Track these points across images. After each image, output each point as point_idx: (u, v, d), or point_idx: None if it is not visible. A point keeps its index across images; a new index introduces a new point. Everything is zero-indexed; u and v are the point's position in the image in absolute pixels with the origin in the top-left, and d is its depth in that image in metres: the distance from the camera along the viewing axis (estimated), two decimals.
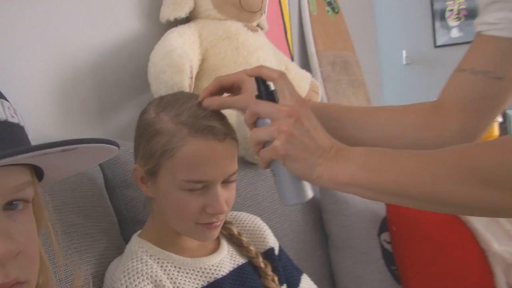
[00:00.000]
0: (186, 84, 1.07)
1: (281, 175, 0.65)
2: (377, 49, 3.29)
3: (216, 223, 0.74)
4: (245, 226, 0.92)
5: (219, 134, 0.71)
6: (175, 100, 0.74)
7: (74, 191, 0.81)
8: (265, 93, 0.66)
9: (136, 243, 0.78)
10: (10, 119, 0.44)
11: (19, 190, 0.43)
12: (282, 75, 0.65)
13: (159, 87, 1.07)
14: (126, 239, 0.86)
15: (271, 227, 1.09)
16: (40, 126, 0.99)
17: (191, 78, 1.09)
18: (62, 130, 1.03)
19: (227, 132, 0.73)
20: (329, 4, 2.33)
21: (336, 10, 2.39)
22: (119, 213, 0.93)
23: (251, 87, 0.72)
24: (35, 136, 0.98)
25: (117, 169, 0.93)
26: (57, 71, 1.03)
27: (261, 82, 0.66)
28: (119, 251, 0.81)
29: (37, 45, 0.99)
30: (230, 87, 0.76)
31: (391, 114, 0.78)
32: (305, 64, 2.09)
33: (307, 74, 1.62)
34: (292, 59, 2.01)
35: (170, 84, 1.05)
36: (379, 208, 1.23)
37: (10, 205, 0.43)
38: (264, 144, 0.64)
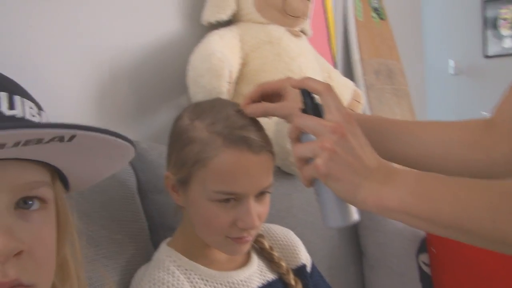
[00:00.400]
0: (224, 89, 1.04)
1: (324, 195, 0.61)
2: (423, 58, 3.19)
3: (246, 238, 0.71)
4: (278, 240, 0.89)
5: (254, 146, 0.68)
6: (211, 108, 0.72)
7: (103, 194, 0.79)
8: (311, 107, 0.62)
9: (164, 251, 0.76)
10: (29, 117, 0.42)
11: (32, 188, 0.42)
12: (328, 88, 0.62)
13: (197, 91, 1.05)
14: (156, 245, 0.84)
15: (304, 240, 1.05)
16: None
17: (230, 83, 1.06)
18: None
19: (264, 145, 0.70)
20: (376, 10, 2.27)
21: (383, 17, 2.32)
22: (150, 218, 0.91)
23: (293, 95, 0.69)
24: None
25: (150, 173, 0.92)
26: (95, 72, 1.02)
27: (306, 95, 0.63)
28: (148, 257, 0.79)
29: (76, 45, 0.99)
30: (272, 95, 0.74)
31: (437, 130, 0.73)
32: (348, 72, 2.04)
33: (350, 83, 1.57)
34: (335, 66, 1.96)
35: (208, 89, 1.03)
36: None
37: (24, 204, 0.41)
38: (307, 161, 0.60)
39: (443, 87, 3.38)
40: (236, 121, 0.69)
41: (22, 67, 0.90)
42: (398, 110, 2.23)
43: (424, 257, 1.16)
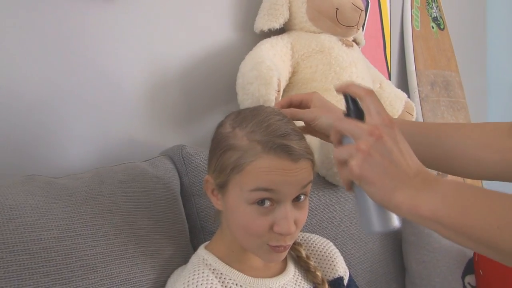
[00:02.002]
0: (272, 97, 1.05)
1: (361, 199, 0.61)
2: (485, 70, 3.06)
3: (284, 246, 0.72)
4: (315, 250, 0.88)
5: (294, 154, 0.68)
6: (253, 116, 0.72)
7: (148, 195, 0.82)
8: (353, 111, 0.64)
9: (202, 254, 0.77)
10: None
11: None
12: (369, 93, 0.62)
13: (245, 98, 1.07)
14: (195, 248, 0.87)
15: (345, 253, 1.04)
16: (128, 128, 1.03)
17: (278, 91, 1.07)
18: (149, 134, 1.07)
19: (303, 153, 0.70)
20: (435, 20, 2.21)
21: (442, 27, 2.26)
22: (191, 220, 0.94)
23: (319, 105, 0.79)
24: (122, 136, 1.04)
25: (194, 176, 0.94)
26: (147, 76, 1.07)
27: (349, 99, 0.64)
28: (186, 259, 0.82)
29: (130, 49, 1.03)
30: (299, 105, 0.80)
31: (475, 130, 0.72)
32: (403, 83, 2.00)
33: (402, 94, 1.54)
34: (390, 76, 1.93)
35: (256, 96, 1.05)
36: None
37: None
38: (346, 163, 0.60)
39: (505, 101, 3.23)
40: (276, 129, 0.69)
41: (87, 67, 0.95)
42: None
43: (470, 279, 1.12)
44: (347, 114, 0.64)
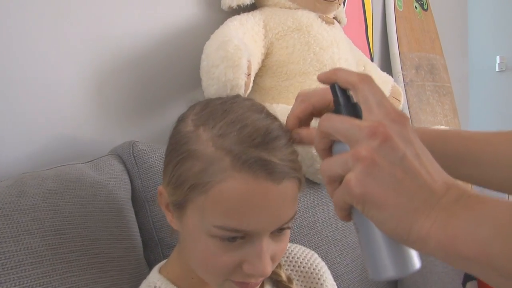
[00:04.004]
0: (241, 82, 0.90)
1: (365, 231, 0.43)
2: (467, 53, 2.97)
3: (253, 283, 0.55)
4: (298, 265, 0.73)
5: (276, 172, 0.50)
6: (224, 111, 0.53)
7: (84, 206, 0.65)
8: (344, 106, 0.46)
9: (154, 281, 0.61)
10: None
11: None
12: (365, 79, 0.44)
13: (210, 83, 0.91)
14: (151, 265, 0.71)
15: (330, 261, 0.90)
16: (70, 123, 0.86)
17: (248, 75, 0.91)
18: (99, 129, 0.90)
19: (288, 170, 0.51)
20: (418, 0, 2.08)
21: (425, 7, 2.13)
22: (146, 232, 0.78)
23: None
24: (69, 133, 0.86)
25: (148, 179, 0.78)
26: (92, 60, 0.89)
27: (338, 90, 0.46)
28: (138, 282, 0.65)
29: (70, 28, 0.86)
30: (323, 109, 0.53)
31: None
32: (386, 66, 1.88)
33: (389, 78, 1.40)
34: (372, 59, 1.79)
35: (223, 81, 0.89)
36: None
37: None
38: (339, 181, 0.42)
39: (487, 85, 3.16)
40: (254, 134, 0.50)
41: (15, 51, 0.77)
42: (440, 109, 2.03)
43: (472, 285, 0.99)
44: (337, 110, 0.46)
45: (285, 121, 0.54)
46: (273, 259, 0.54)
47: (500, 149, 0.53)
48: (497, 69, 3.18)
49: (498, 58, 3.17)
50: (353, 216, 0.44)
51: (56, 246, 0.58)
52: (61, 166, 0.72)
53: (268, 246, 0.52)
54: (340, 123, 0.43)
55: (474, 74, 3.09)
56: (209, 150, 0.50)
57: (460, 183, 0.41)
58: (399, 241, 0.40)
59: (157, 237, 0.78)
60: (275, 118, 0.55)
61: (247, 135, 0.50)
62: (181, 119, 0.57)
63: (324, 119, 0.45)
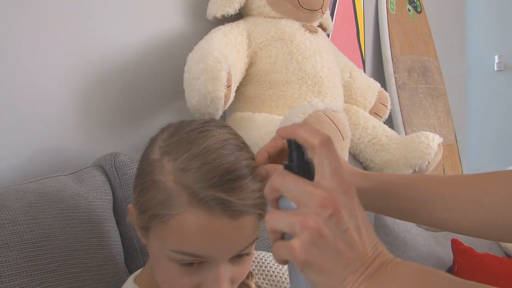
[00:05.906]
0: (221, 94, 0.92)
1: (298, 281, 0.47)
2: (465, 53, 2.97)
3: None
4: (271, 274, 0.75)
5: (233, 210, 0.51)
6: (189, 142, 0.54)
7: (64, 218, 0.68)
8: (297, 164, 0.47)
9: None
10: None
11: None
12: (325, 142, 0.45)
13: (192, 95, 0.94)
14: (133, 272, 0.74)
15: None
16: (54, 135, 0.89)
17: (229, 86, 0.94)
18: (85, 141, 0.93)
19: (247, 208, 0.52)
20: (411, 2, 2.09)
21: (419, 10, 2.14)
22: (127, 240, 0.81)
23: None
24: (53, 144, 0.89)
25: (130, 189, 0.81)
26: (78, 71, 0.92)
27: (294, 147, 0.47)
28: (120, 286, 0.68)
29: (56, 39, 0.88)
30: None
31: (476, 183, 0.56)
32: (378, 69, 1.89)
33: (375, 84, 1.42)
34: (364, 63, 1.81)
35: (203, 93, 0.91)
36: (445, 254, 1.02)
37: None
38: (283, 235, 0.45)
39: (486, 85, 3.15)
40: (213, 172, 0.51)
41: None
42: (433, 111, 2.05)
43: None
44: (289, 166, 0.47)
45: (255, 156, 0.55)
46: (233, 281, 0.56)
47: (465, 194, 0.55)
48: (495, 68, 3.17)
49: (496, 57, 3.16)
50: (289, 268, 0.48)
51: (34, 258, 0.62)
52: (44, 178, 0.75)
53: (225, 271, 0.54)
54: (293, 184, 0.44)
55: (473, 74, 3.08)
56: (169, 184, 0.52)
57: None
58: None
59: (138, 245, 0.81)
60: (243, 151, 0.55)
61: (206, 172, 0.51)
62: (151, 143, 0.58)
63: (278, 176, 0.46)
